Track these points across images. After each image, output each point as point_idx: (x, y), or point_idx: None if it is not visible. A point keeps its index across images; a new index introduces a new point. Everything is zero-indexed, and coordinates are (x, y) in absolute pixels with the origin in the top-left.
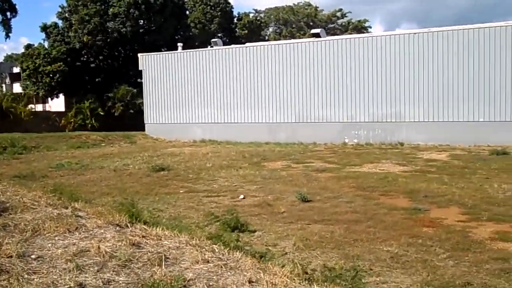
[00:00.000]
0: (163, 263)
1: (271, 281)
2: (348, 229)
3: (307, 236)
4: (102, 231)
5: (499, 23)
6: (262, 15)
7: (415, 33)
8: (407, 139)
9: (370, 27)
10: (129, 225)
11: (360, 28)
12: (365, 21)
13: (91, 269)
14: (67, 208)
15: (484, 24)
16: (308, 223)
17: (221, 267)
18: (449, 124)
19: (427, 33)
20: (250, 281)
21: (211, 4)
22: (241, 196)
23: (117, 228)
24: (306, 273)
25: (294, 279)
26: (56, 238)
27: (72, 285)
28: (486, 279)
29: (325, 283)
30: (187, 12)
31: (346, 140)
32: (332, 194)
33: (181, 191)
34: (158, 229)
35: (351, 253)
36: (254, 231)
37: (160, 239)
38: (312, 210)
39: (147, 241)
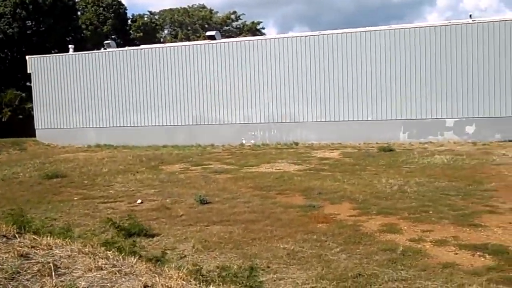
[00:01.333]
0: (54, 273)
1: (166, 284)
2: (246, 229)
3: (206, 238)
4: None
5: (383, 27)
6: (156, 17)
7: (306, 36)
8: (301, 138)
9: (264, 28)
10: (17, 235)
11: (254, 30)
12: (259, 22)
13: None
14: None
15: (370, 28)
16: (207, 225)
17: (115, 273)
18: (339, 124)
19: (317, 36)
20: (145, 286)
21: (104, 5)
22: (139, 201)
23: (4, 239)
24: (203, 275)
25: (190, 281)
26: None
27: None
28: (376, 269)
29: (222, 283)
30: (79, 13)
31: (244, 141)
32: (230, 195)
33: (75, 198)
34: (49, 238)
35: (249, 252)
36: (153, 236)
37: (51, 249)
38: (210, 212)
39: (36, 251)
